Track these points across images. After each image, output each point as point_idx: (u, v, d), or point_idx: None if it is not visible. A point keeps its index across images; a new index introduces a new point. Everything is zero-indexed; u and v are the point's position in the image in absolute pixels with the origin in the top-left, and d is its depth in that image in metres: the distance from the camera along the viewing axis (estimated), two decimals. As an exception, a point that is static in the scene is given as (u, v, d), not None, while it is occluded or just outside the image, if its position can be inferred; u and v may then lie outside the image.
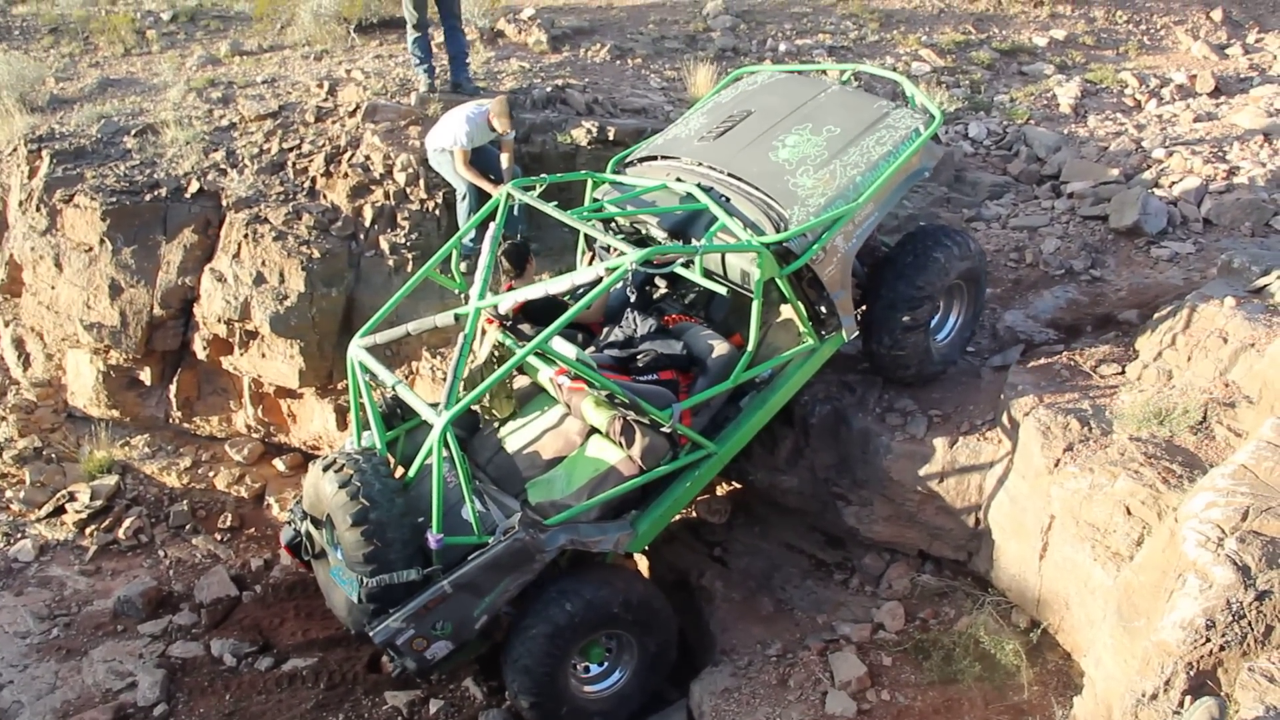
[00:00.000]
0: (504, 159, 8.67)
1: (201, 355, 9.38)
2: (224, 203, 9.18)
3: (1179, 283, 8.17)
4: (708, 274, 6.51)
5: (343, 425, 9.31)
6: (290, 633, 7.84)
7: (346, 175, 9.19)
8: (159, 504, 9.25)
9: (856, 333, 7.10)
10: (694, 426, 6.60)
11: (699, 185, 7.01)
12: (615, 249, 6.69)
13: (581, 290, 6.82)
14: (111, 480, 9.28)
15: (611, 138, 9.49)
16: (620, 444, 6.44)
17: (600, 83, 10.75)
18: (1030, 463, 6.71)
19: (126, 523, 8.93)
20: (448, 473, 6.13)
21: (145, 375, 9.70)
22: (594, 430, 6.76)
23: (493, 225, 6.94)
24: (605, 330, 7.27)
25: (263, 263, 8.82)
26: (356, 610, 6.13)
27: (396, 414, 6.97)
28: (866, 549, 7.81)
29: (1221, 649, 4.59)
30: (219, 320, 8.99)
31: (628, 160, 7.90)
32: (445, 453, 5.93)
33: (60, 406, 10.15)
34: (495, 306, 6.55)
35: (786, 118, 7.52)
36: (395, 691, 7.15)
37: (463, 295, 7.31)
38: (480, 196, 8.63)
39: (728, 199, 6.95)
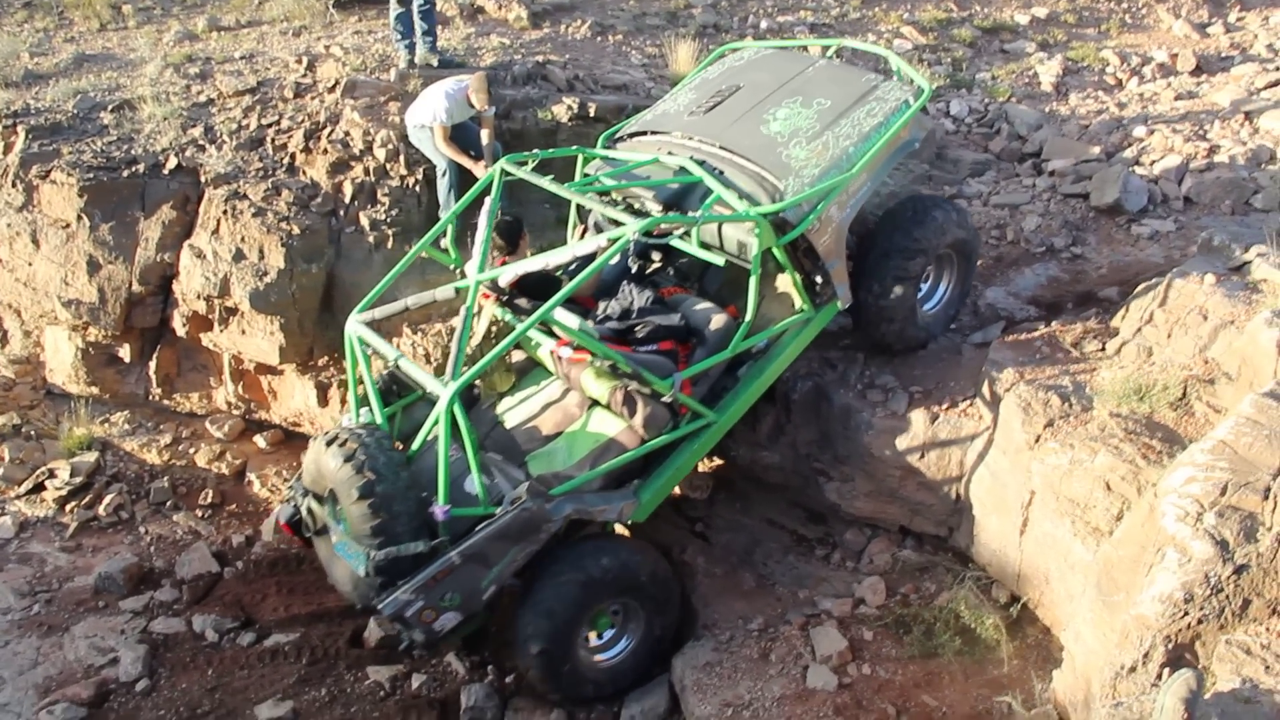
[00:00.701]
0: (484, 135, 8.63)
1: (181, 332, 9.31)
2: (203, 179, 9.10)
3: (1159, 260, 8.21)
4: (704, 246, 6.59)
5: (323, 401, 9.28)
6: (272, 608, 7.82)
7: (326, 151, 9.12)
8: (139, 481, 9.20)
9: (851, 301, 7.20)
10: (694, 396, 6.68)
11: (691, 158, 7.07)
12: (613, 221, 6.76)
13: (576, 264, 6.90)
14: (91, 457, 9.21)
15: (592, 114, 9.45)
16: (622, 414, 6.54)
17: (581, 59, 10.70)
18: (1011, 439, 6.75)
19: (107, 499, 8.87)
20: (452, 449, 6.13)
21: (124, 352, 9.63)
22: (593, 403, 6.84)
23: (488, 200, 6.94)
24: (600, 305, 7.29)
25: (242, 239, 8.75)
26: (363, 584, 6.13)
27: (392, 390, 6.97)
28: (848, 524, 7.85)
29: (1199, 622, 4.64)
30: (198, 297, 8.93)
31: (617, 136, 7.94)
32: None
33: (39, 383, 10.06)
34: (494, 281, 6.56)
35: (776, 91, 7.59)
36: (378, 666, 7.14)
37: (457, 270, 7.31)
38: (460, 173, 8.59)
39: (721, 172, 7.01)
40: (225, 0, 12.44)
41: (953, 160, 10.03)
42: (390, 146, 9.05)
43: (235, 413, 9.74)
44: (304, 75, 10.00)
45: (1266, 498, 4.83)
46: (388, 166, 9.04)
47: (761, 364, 7.05)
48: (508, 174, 7.05)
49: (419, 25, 9.79)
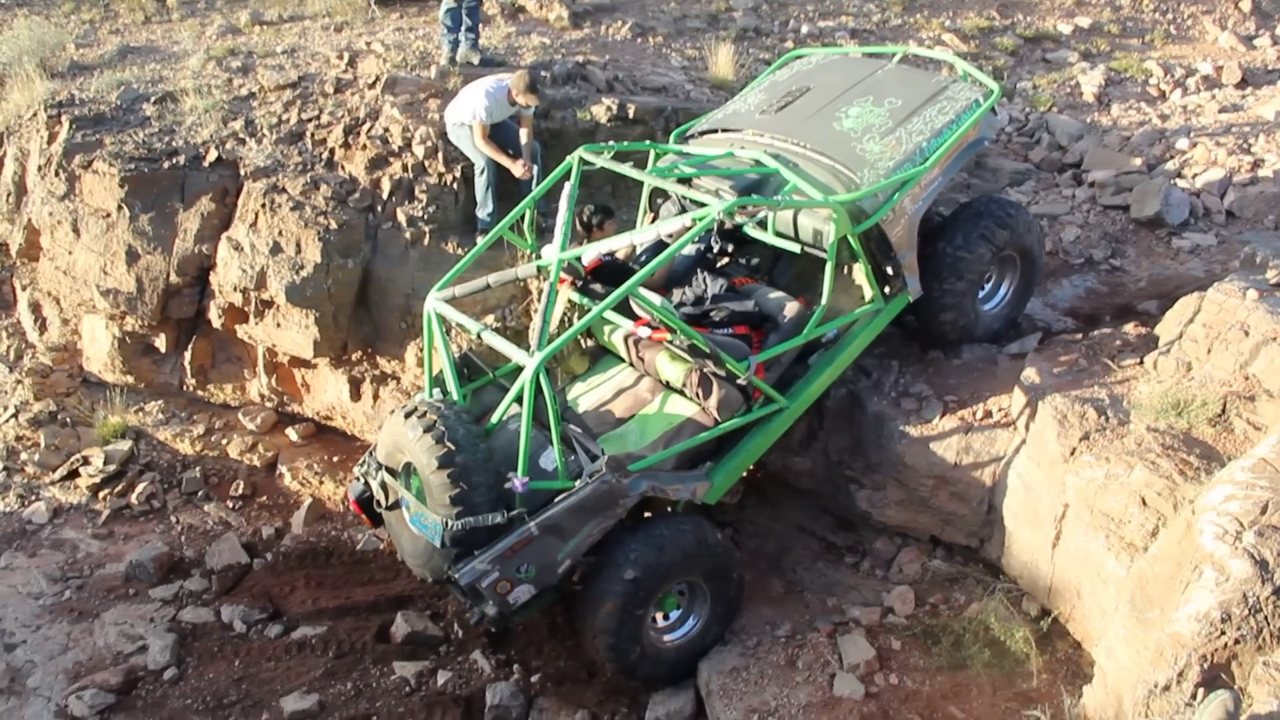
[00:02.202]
0: (523, 134, 8.64)
1: (216, 323, 9.37)
2: (242, 172, 9.16)
3: (1200, 274, 8.12)
4: (778, 235, 6.81)
5: (356, 396, 9.33)
6: (300, 601, 7.86)
7: (365, 147, 9.16)
8: (172, 470, 9.28)
9: (920, 293, 7.30)
10: (766, 381, 6.79)
11: (766, 152, 7.24)
12: (695, 203, 6.94)
13: (648, 254, 7.24)
14: (125, 445, 9.30)
15: (631, 115, 9.46)
16: (697, 396, 6.67)
17: (621, 60, 10.70)
18: (1045, 451, 6.68)
19: (139, 488, 8.96)
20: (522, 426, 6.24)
21: (160, 342, 9.71)
22: (666, 387, 7.01)
23: (567, 185, 7.06)
24: (671, 293, 7.36)
25: (280, 232, 8.80)
26: (436, 557, 6.22)
27: (463, 373, 7.04)
28: (878, 533, 7.80)
29: (1236, 642, 4.57)
30: (235, 289, 8.99)
31: (688, 134, 8.14)
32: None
33: (75, 371, 10.17)
34: (571, 264, 6.69)
35: (847, 91, 7.79)
36: (404, 662, 7.15)
37: (533, 255, 7.46)
38: (498, 171, 8.61)
39: (795, 164, 7.16)
40: (268, -5, 12.55)
41: (992, 169, 9.97)
42: (429, 144, 9.07)
43: (268, 405, 9.80)
44: (345, 71, 10.05)
45: (1308, 518, 4.76)
46: (426, 164, 9.07)
47: (832, 353, 7.16)
48: (587, 162, 7.18)
49: (465, 21, 9.82)
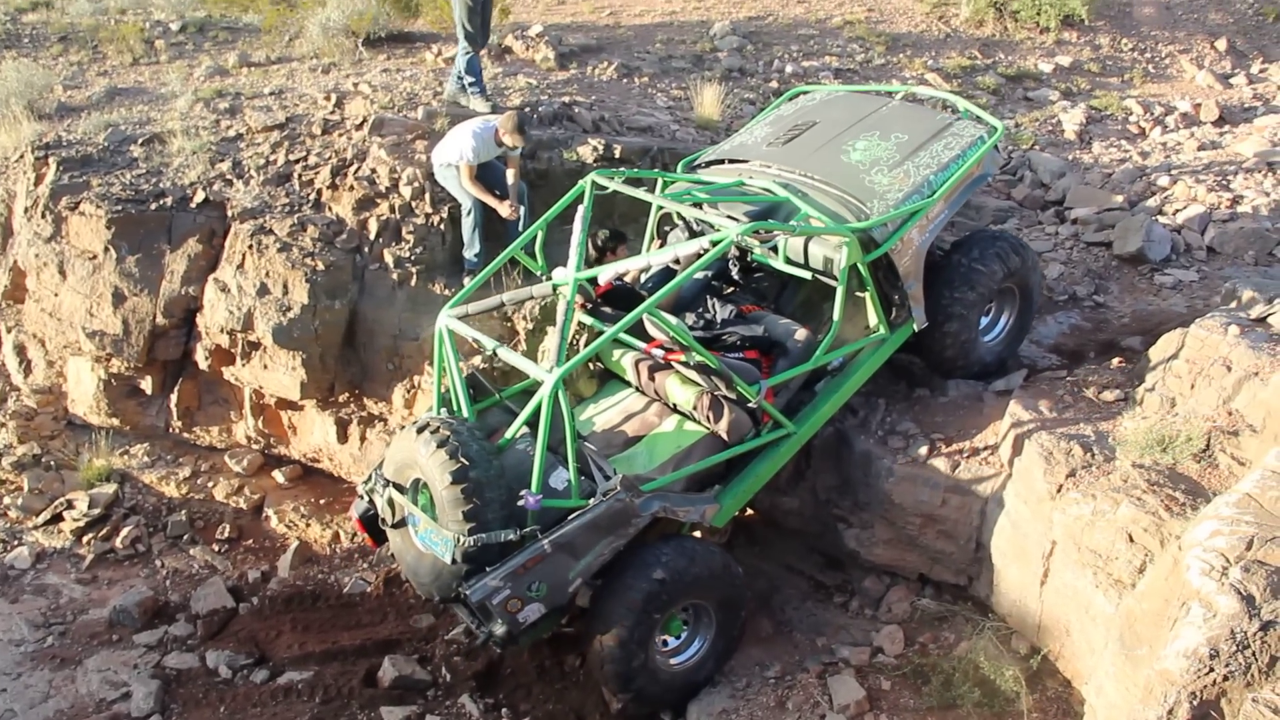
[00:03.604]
0: (510, 174, 8.68)
1: (203, 365, 9.35)
2: (229, 213, 9.17)
3: (1182, 310, 8.17)
4: (788, 261, 6.90)
5: (343, 438, 9.31)
6: (286, 645, 7.79)
7: (352, 188, 9.19)
8: (157, 513, 9.21)
9: (926, 322, 7.41)
10: (775, 406, 6.88)
11: (775, 182, 7.39)
12: (709, 226, 7.06)
13: (656, 280, 7.48)
14: (110, 489, 9.24)
15: (618, 155, 9.52)
16: (708, 419, 6.76)
17: (607, 100, 10.78)
18: (1032, 488, 6.70)
19: (124, 531, 8.89)
20: (531, 445, 6.26)
21: (146, 384, 9.68)
22: (674, 411, 7.10)
23: (581, 208, 7.14)
24: (683, 318, 7.40)
25: (267, 274, 8.81)
26: (445, 574, 6.22)
27: (470, 393, 7.04)
28: (866, 572, 7.79)
29: (1225, 679, 4.56)
30: (221, 330, 8.98)
31: (695, 164, 8.31)
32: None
33: (60, 414, 10.11)
34: (583, 287, 6.81)
35: (853, 126, 7.98)
36: (391, 707, 7.09)
37: (544, 277, 7.48)
38: (485, 211, 8.64)
39: (805, 194, 7.31)
40: (256, 36, 12.61)
41: (976, 206, 10.03)
42: (416, 184, 9.11)
43: (255, 447, 9.76)
44: (332, 112, 10.09)
45: (1293, 554, 4.77)
46: (413, 204, 9.10)
47: (839, 380, 7.27)
48: (600, 186, 7.28)
49: (461, 65, 9.89)
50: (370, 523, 6.96)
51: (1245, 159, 10.30)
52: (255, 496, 9.45)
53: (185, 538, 9.04)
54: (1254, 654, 4.56)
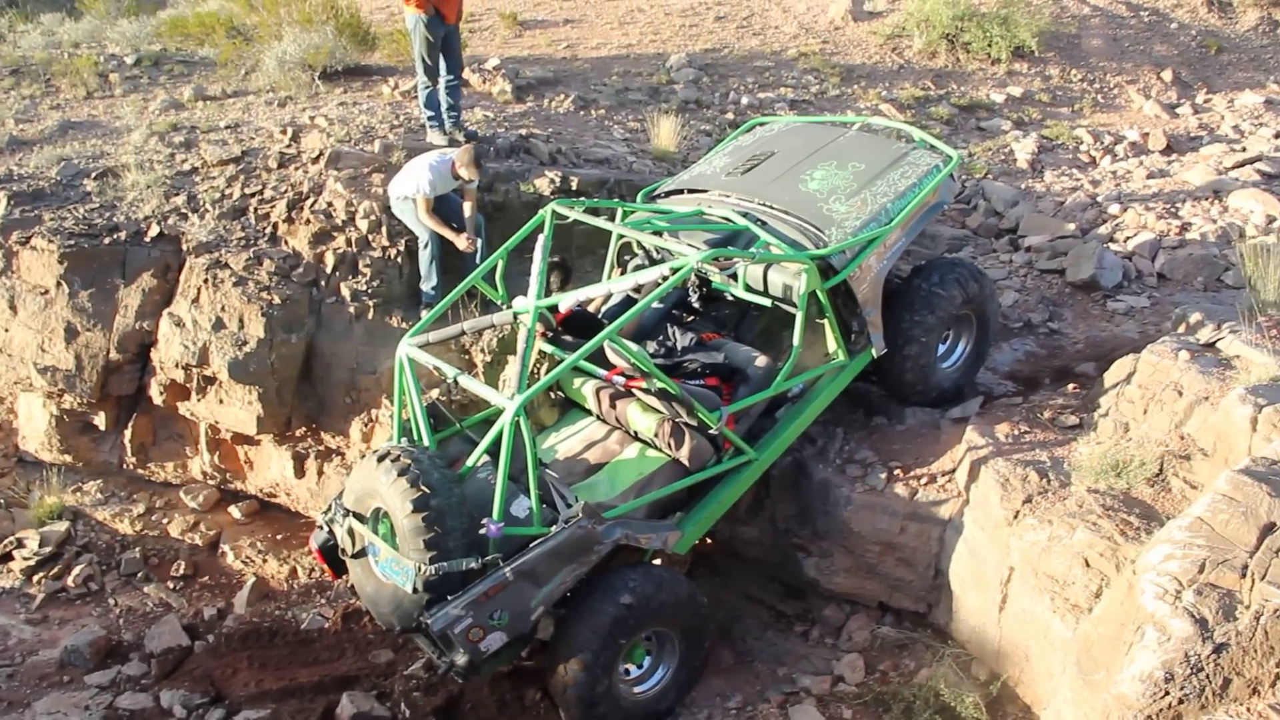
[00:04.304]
0: (467, 207, 8.67)
1: (158, 400, 9.24)
2: (184, 247, 9.10)
3: (1135, 336, 8.29)
4: (748, 288, 7.00)
5: (300, 472, 9.22)
6: (243, 683, 7.66)
7: (309, 221, 9.15)
8: (110, 551, 9.06)
9: (884, 349, 7.48)
10: (735, 433, 6.88)
11: (734, 211, 7.48)
12: (670, 253, 7.16)
13: (618, 306, 7.56)
14: (62, 526, 9.08)
15: (575, 187, 9.54)
16: (669, 446, 6.76)
17: (564, 133, 10.82)
18: (989, 514, 6.74)
19: (76, 570, 8.73)
20: (493, 474, 6.24)
21: (99, 420, 9.55)
22: (635, 439, 7.09)
23: (541, 237, 7.15)
24: (644, 345, 7.45)
25: (222, 308, 8.74)
26: (406, 604, 6.14)
27: (430, 422, 6.99)
28: (827, 600, 7.79)
29: (1180, 702, 4.61)
30: (176, 365, 8.88)
31: (654, 194, 8.35)
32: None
33: (10, 450, 9.95)
34: (544, 315, 6.78)
35: (811, 155, 8.09)
36: (350, 744, 7.01)
37: (504, 305, 7.45)
38: (442, 244, 8.63)
39: (764, 222, 7.38)
40: (212, 70, 12.55)
41: (930, 235, 10.14)
42: (373, 218, 9.09)
43: (210, 483, 9.65)
44: (288, 145, 10.05)
45: (1244, 575, 4.83)
46: (370, 238, 9.08)
47: (799, 407, 7.32)
48: (560, 216, 7.30)
49: (446, 100, 9.90)
50: (330, 553, 6.90)
51: (1192, 187, 10.50)
52: (211, 532, 9.32)
53: (139, 575, 8.89)
54: (1208, 676, 4.61)
